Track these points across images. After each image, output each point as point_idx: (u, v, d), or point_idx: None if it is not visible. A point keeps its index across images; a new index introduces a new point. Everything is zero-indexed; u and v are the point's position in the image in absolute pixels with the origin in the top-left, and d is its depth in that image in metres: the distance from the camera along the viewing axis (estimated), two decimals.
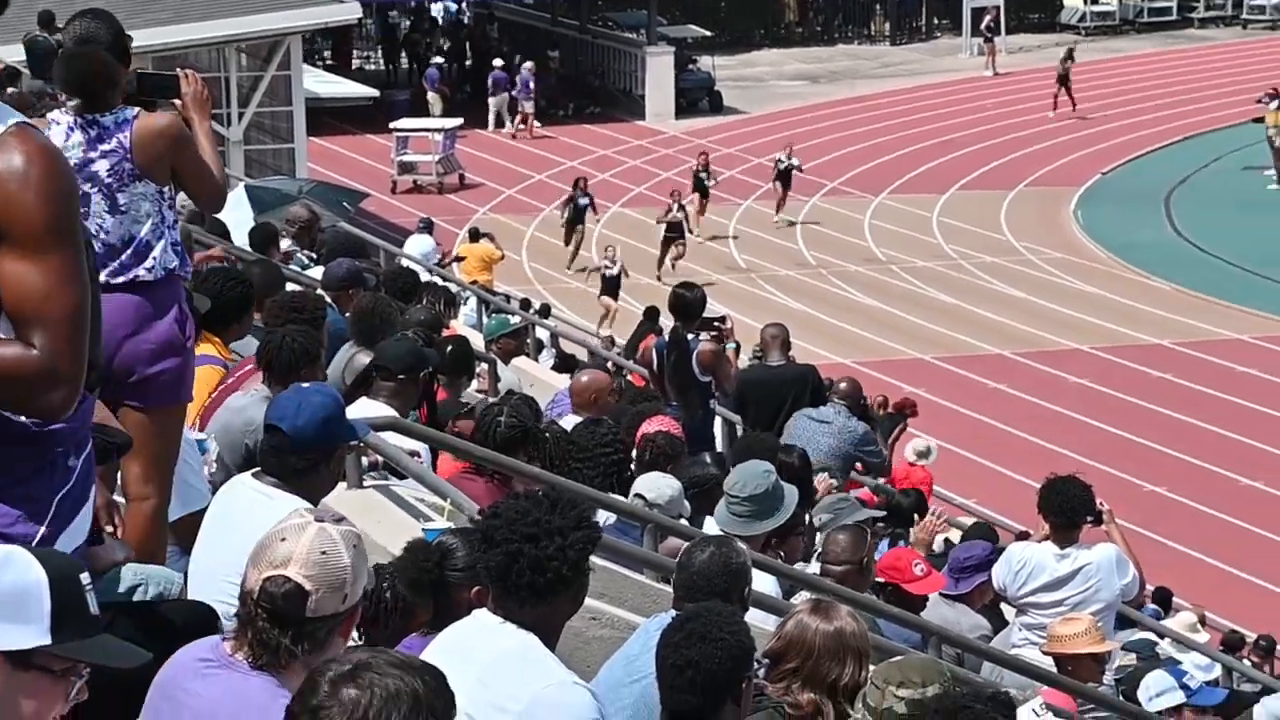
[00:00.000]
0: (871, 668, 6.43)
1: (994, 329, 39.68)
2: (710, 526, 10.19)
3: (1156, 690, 10.65)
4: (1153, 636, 15.70)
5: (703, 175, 46.25)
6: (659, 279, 39.43)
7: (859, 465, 15.25)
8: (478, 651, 5.46)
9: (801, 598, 8.52)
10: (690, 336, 14.89)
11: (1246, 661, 17.93)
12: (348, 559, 4.88)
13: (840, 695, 6.42)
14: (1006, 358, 38.24)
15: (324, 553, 4.85)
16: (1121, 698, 10.59)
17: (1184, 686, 10.87)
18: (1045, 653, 10.31)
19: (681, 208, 42.39)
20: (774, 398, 14.62)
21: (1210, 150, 56.57)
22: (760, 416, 14.90)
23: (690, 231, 43.91)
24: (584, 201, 43.56)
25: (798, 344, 17.36)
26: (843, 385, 15.87)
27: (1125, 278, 44.84)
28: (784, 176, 47.08)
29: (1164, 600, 21.33)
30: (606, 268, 38.05)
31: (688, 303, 15.07)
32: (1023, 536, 15.44)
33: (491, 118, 60.39)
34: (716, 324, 15.12)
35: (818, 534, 11.21)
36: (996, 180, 53.96)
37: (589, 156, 56.85)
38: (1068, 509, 11.03)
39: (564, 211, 44.21)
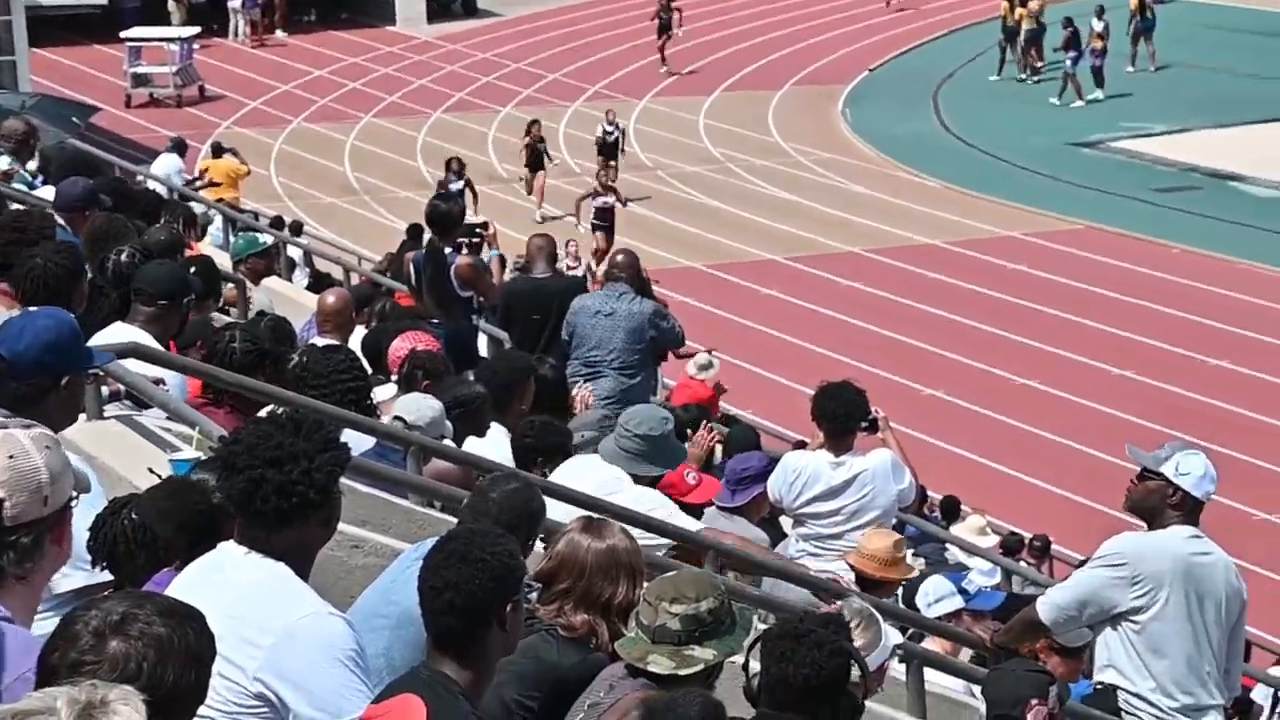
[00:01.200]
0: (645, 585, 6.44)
1: (763, 233, 39.92)
2: (471, 446, 10.14)
3: (935, 596, 10.78)
4: (955, 551, 15.97)
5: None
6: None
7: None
8: (226, 585, 5.38)
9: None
10: (448, 250, 14.80)
11: (1024, 563, 18.26)
12: (39, 460, 4.77)
13: (614, 614, 6.43)
14: (777, 262, 38.49)
15: (11, 457, 4.74)
16: (901, 604, 10.71)
17: (962, 591, 11.01)
18: (852, 565, 10.39)
19: (611, 188, 38.49)
20: (540, 309, 14.55)
21: (976, 44, 57.20)
22: (526, 329, 14.82)
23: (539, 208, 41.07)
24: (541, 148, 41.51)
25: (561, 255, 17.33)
26: (620, 258, 15.04)
27: (896, 176, 45.33)
28: (610, 150, 43.03)
29: (952, 509, 21.66)
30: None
31: (443, 214, 14.95)
32: (799, 446, 15.53)
33: (232, 26, 59.59)
34: (478, 229, 15.04)
35: (577, 452, 11.19)
36: (762, 80, 54.21)
37: (337, 65, 56.34)
38: (841, 415, 11.10)
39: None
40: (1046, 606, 8.67)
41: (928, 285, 36.97)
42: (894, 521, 12.03)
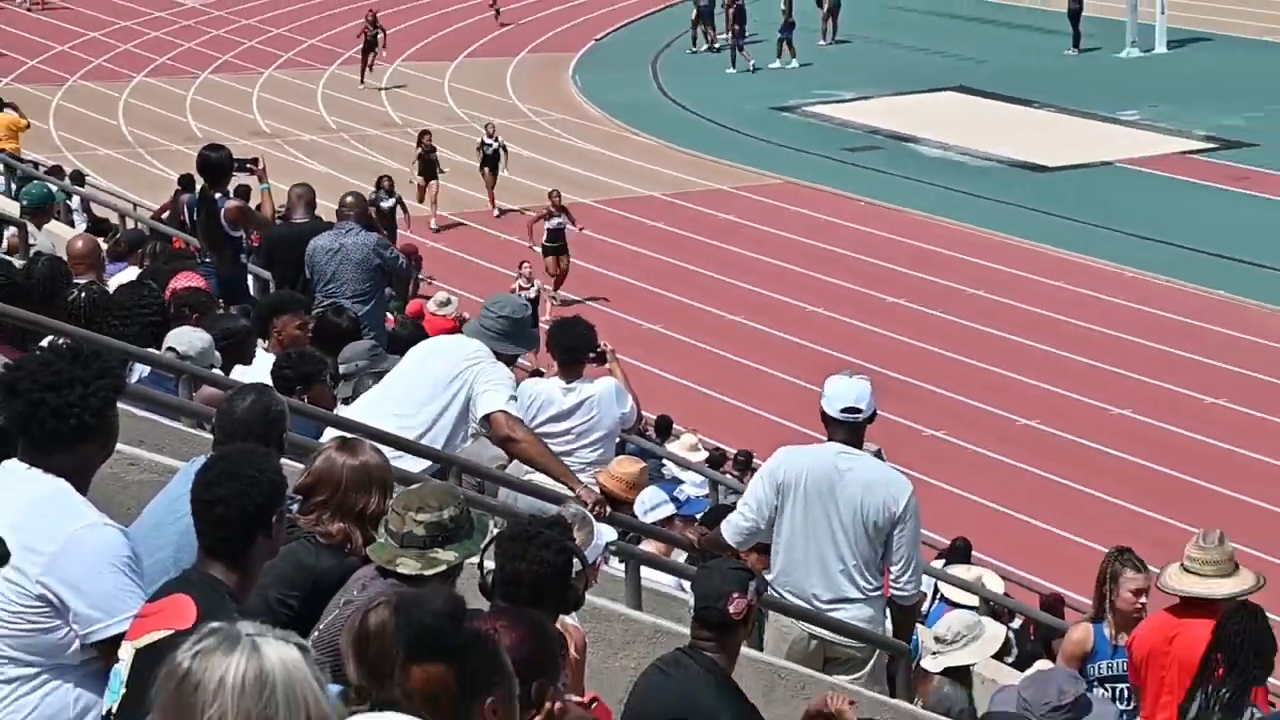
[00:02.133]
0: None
1: (502, 186, 39.82)
2: (240, 374, 10.07)
3: (651, 504, 10.91)
4: (670, 465, 16.13)
5: (432, 156, 38.07)
6: (555, 298, 32.50)
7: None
8: (10, 499, 5.35)
9: None
10: (218, 195, 14.68)
11: (728, 475, 18.47)
12: None
13: (366, 523, 6.44)
14: (514, 212, 38.45)
15: None
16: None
17: (674, 499, 11.17)
18: (602, 483, 10.47)
19: (563, 209, 33.44)
20: (299, 254, 14.42)
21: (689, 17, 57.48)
22: (286, 273, 14.71)
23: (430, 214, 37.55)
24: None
25: (323, 203, 17.12)
26: (348, 199, 14.66)
27: (621, 136, 45.43)
28: (491, 161, 38.69)
29: (666, 428, 21.83)
30: (521, 288, 29.74)
31: (212, 163, 14.85)
32: (537, 374, 15.60)
33: None
34: (248, 165, 14.93)
35: (342, 382, 11.14)
36: (501, 48, 54.06)
37: (112, 28, 55.23)
38: (571, 348, 11.16)
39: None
40: (729, 529, 8.91)
41: (648, 232, 37.17)
42: (617, 441, 12.12)
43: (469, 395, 9.47)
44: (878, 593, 8.98)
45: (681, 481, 14.07)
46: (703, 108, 47.62)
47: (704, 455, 18.12)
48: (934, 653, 9.96)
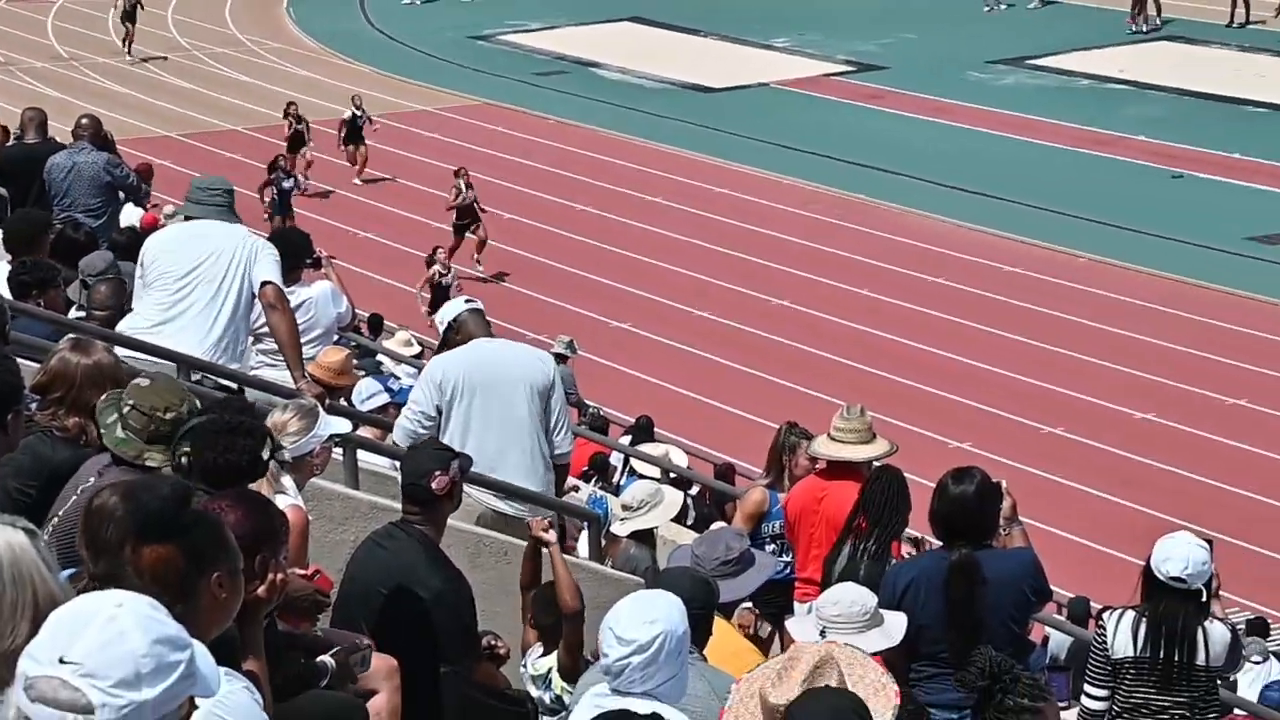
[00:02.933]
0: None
1: (226, 109, 38.91)
2: None
3: (367, 394, 10.79)
4: (385, 360, 15.93)
5: (300, 127, 34.17)
6: (481, 273, 29.03)
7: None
8: None
9: None
10: None
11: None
12: None
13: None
14: (239, 132, 37.68)
15: None
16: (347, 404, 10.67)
17: (389, 390, 11.07)
18: (312, 374, 10.25)
19: (469, 186, 29.60)
20: (30, 175, 13.90)
21: None
22: (18, 193, 14.18)
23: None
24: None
25: (56, 125, 16.49)
26: (84, 120, 13.88)
27: (334, 64, 44.71)
28: (354, 132, 34.65)
29: (377, 325, 21.57)
30: (439, 275, 26.45)
31: None
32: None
33: None
34: None
35: (81, 289, 10.76)
36: None
37: None
38: (289, 254, 10.92)
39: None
40: (398, 432, 8.82)
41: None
42: (335, 338, 11.93)
43: (247, 265, 9.09)
44: (546, 463, 8.91)
45: (397, 376, 13.94)
46: (407, 37, 47.07)
47: (417, 349, 17.94)
48: (621, 519, 10.00)
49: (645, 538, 10.11)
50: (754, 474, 13.21)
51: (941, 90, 39.79)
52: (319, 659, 5.35)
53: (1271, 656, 14.63)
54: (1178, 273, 28.38)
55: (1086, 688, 7.13)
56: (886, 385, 24.14)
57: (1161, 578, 6.99)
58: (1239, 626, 15.73)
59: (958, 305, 27.45)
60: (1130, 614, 7.06)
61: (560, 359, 20.36)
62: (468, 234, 29.06)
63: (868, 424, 8.80)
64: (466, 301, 9.39)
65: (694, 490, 15.57)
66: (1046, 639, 14.60)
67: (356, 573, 6.67)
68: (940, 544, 7.00)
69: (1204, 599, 6.99)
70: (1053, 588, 7.28)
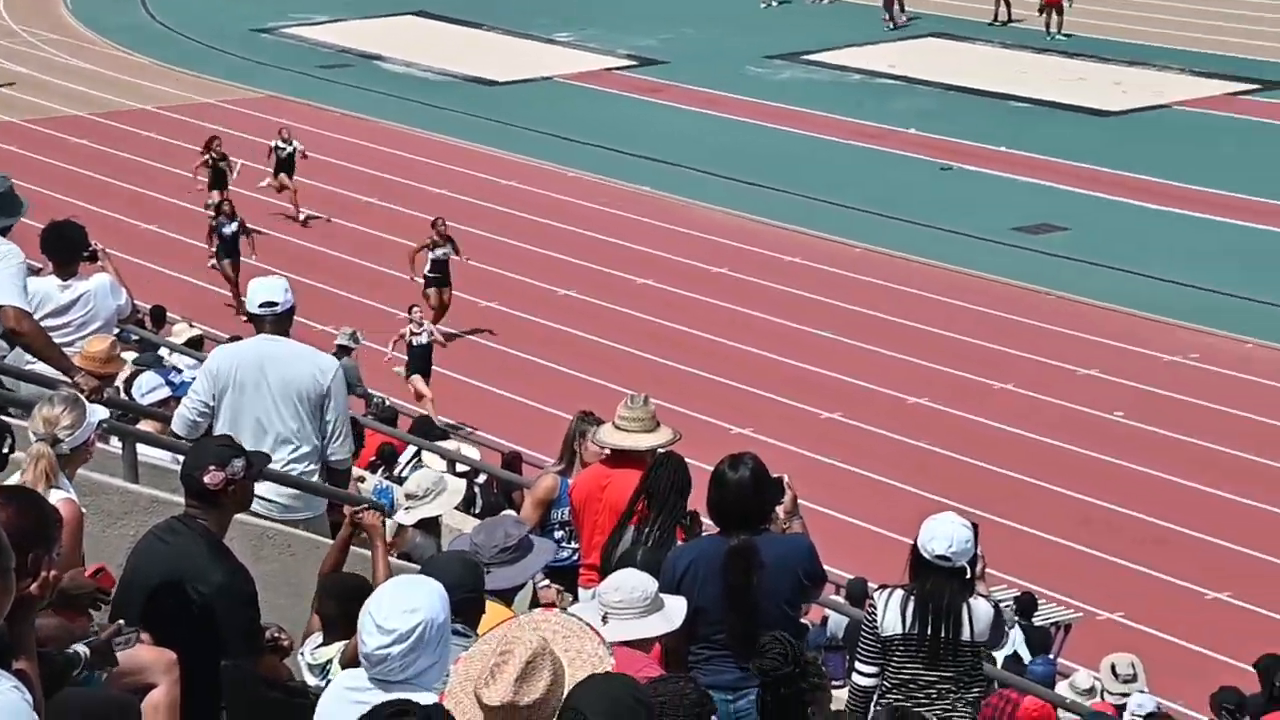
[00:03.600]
0: None
1: (4, 101, 37.91)
2: None
3: (148, 388, 10.56)
4: (165, 353, 15.58)
5: (223, 165, 30.86)
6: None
7: None
8: None
9: None
10: None
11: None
12: None
13: None
14: (15, 124, 36.72)
15: None
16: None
17: (170, 383, 10.82)
18: (80, 366, 10.00)
19: (447, 239, 26.36)
20: None
21: None
22: None
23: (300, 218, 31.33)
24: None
25: None
26: None
27: (115, 55, 43.80)
28: (286, 165, 31.71)
29: (160, 317, 21.12)
30: (412, 333, 23.79)
31: None
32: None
33: None
34: None
35: None
36: None
37: None
38: (64, 250, 10.66)
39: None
40: (178, 422, 8.65)
41: (137, 141, 35.97)
42: (116, 331, 11.65)
43: None
44: (309, 471, 8.70)
45: (179, 369, 13.63)
46: (189, 29, 46.26)
47: (197, 333, 17.55)
48: (406, 508, 9.90)
49: (430, 526, 10.04)
50: (544, 462, 13.17)
51: (720, 84, 40.10)
52: (71, 648, 5.18)
53: (1018, 627, 14.93)
54: (947, 261, 28.90)
55: (857, 664, 7.23)
56: (671, 373, 24.27)
57: (927, 556, 7.13)
58: (1007, 604, 16.08)
59: (739, 295, 27.68)
60: (899, 592, 7.19)
61: (343, 351, 20.14)
62: (429, 289, 25.93)
63: (651, 413, 8.81)
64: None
65: (481, 479, 15.51)
66: (825, 619, 14.78)
67: (137, 566, 6.52)
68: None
69: (967, 576, 7.13)
70: (832, 569, 7.38)
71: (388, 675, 4.90)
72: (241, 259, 27.07)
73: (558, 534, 9.40)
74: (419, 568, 6.43)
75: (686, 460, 8.07)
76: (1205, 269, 27.71)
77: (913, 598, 7.11)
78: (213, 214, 27.83)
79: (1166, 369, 24.55)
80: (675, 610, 6.29)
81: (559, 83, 41.52)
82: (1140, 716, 11.77)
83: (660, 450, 8.56)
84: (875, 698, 7.21)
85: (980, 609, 7.16)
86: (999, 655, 13.90)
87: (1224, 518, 20.15)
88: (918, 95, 39.19)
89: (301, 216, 31.16)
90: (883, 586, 7.58)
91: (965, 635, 7.08)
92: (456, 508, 11.01)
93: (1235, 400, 23.27)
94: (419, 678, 4.91)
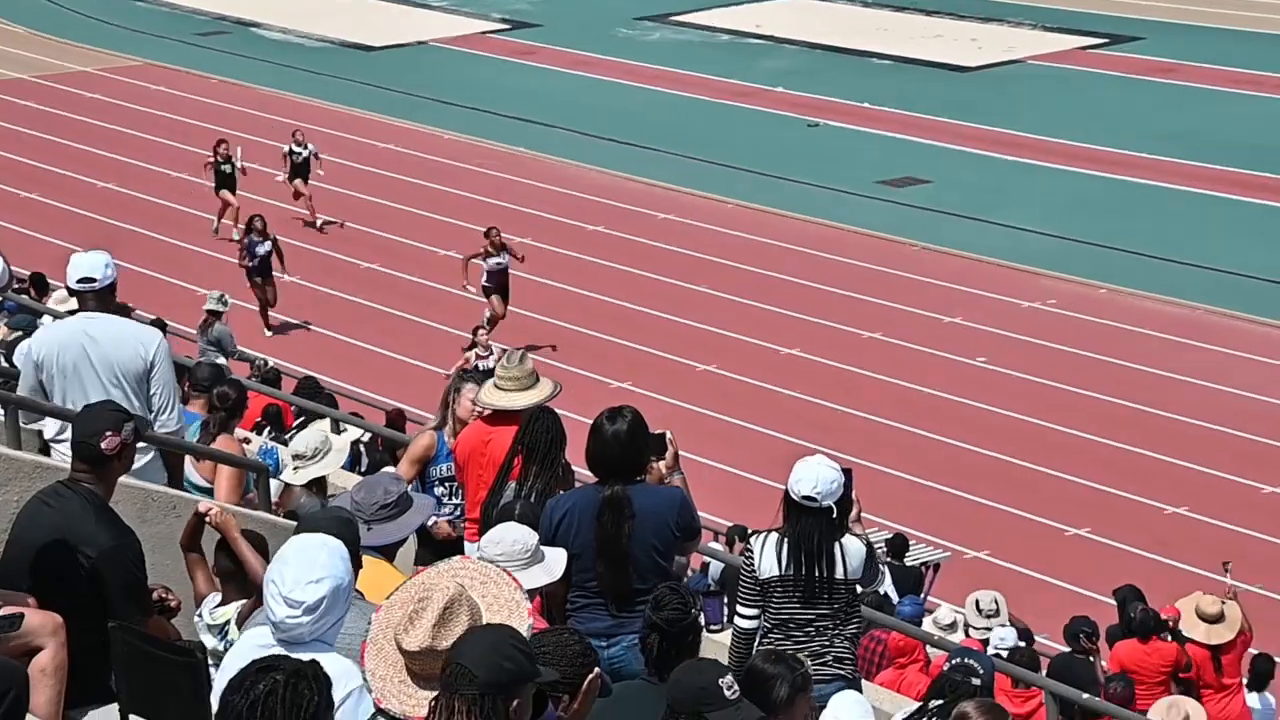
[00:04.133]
0: None
1: None
2: None
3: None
4: None
5: (226, 168, 28.60)
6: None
7: None
8: None
9: None
10: None
11: None
12: None
13: None
14: None
15: None
16: None
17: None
18: None
19: (501, 247, 24.05)
20: None
21: None
22: None
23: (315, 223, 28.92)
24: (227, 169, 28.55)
25: None
26: None
27: None
28: (301, 170, 29.16)
29: (40, 284, 20.79)
30: (479, 357, 21.40)
31: None
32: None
33: None
34: None
35: None
36: None
37: None
38: None
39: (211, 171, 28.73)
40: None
41: (18, 110, 35.32)
42: None
43: None
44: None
45: None
46: None
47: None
48: (295, 468, 9.82)
49: (317, 485, 9.96)
50: (428, 420, 13.13)
51: (592, 46, 39.99)
52: None
53: (886, 571, 15.07)
54: (816, 215, 29.06)
55: (738, 608, 7.28)
56: (551, 330, 24.25)
57: (796, 498, 7.19)
58: (879, 546, 16.25)
59: (615, 251, 27.68)
60: (773, 535, 7.25)
61: (214, 316, 19.90)
62: (492, 296, 23.75)
63: (529, 370, 8.77)
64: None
65: (365, 437, 15.41)
66: (706, 565, 14.86)
67: (22, 531, 6.42)
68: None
69: (835, 516, 7.19)
70: (711, 516, 7.41)
71: (296, 638, 4.91)
72: (274, 275, 24.70)
73: (438, 490, 9.35)
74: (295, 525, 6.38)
75: (569, 415, 8.07)
76: (1060, 217, 28.06)
77: (786, 540, 7.17)
78: (243, 230, 25.42)
79: (1026, 315, 24.86)
80: (556, 562, 6.29)
81: (435, 47, 41.22)
82: (1002, 649, 11.94)
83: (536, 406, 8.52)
84: (758, 639, 7.26)
85: (852, 547, 7.23)
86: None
87: (1082, 457, 20.47)
88: (784, 54, 39.29)
89: (318, 223, 28.87)
90: (756, 532, 7.63)
91: (839, 573, 7.16)
92: (342, 466, 10.93)
93: (1092, 344, 23.61)
94: (326, 634, 4.94)
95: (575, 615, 6.84)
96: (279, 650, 4.79)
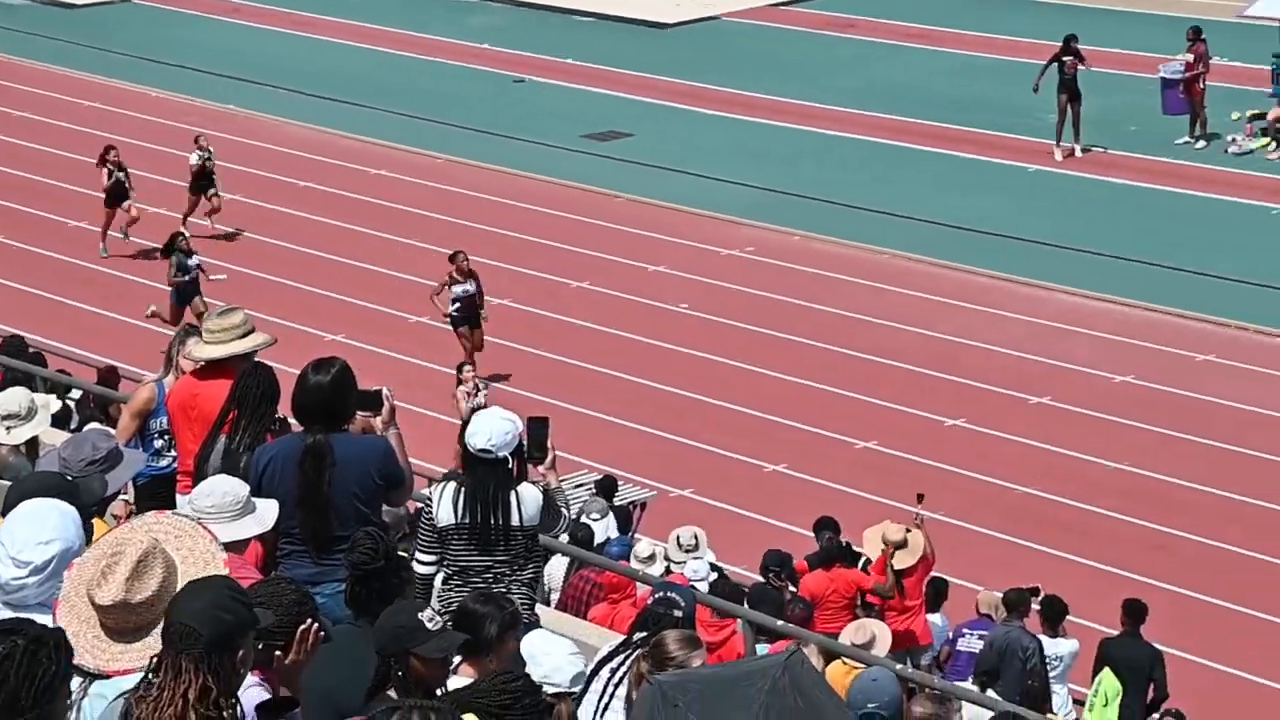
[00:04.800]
0: None
1: None
2: None
3: None
4: None
5: (118, 176, 25.66)
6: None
7: None
8: None
9: None
10: None
11: None
12: None
13: None
14: None
15: None
16: None
17: None
18: None
19: (470, 274, 21.58)
20: None
21: None
22: None
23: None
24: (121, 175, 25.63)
25: None
26: None
27: None
28: (205, 177, 26.24)
29: None
30: (468, 395, 19.52)
31: None
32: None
33: None
34: None
35: None
36: None
37: None
38: None
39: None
40: None
41: None
42: None
43: None
44: None
45: None
46: None
47: None
48: (8, 428, 9.55)
49: (28, 446, 9.72)
50: (142, 377, 12.86)
51: (300, 4, 39.34)
52: None
53: (610, 513, 15.33)
54: (524, 169, 29.13)
55: (417, 554, 7.36)
56: (262, 285, 23.93)
57: (473, 450, 7.30)
58: (589, 488, 16.47)
59: (327, 207, 27.39)
60: (451, 484, 7.34)
61: None
62: (460, 327, 21.49)
63: (238, 323, 8.66)
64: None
65: (76, 395, 15.06)
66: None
67: None
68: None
69: (510, 466, 7.31)
70: (423, 463, 7.44)
71: (22, 601, 4.80)
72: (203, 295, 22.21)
73: (158, 442, 9.22)
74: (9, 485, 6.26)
75: (287, 369, 8.03)
76: (755, 168, 28.57)
77: (463, 489, 7.26)
78: (167, 252, 22.69)
79: (725, 262, 25.32)
80: (268, 512, 6.29)
81: (137, 4, 40.10)
82: (699, 580, 12.26)
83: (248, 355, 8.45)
84: (439, 584, 7.35)
85: (528, 495, 7.35)
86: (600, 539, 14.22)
87: (778, 395, 20.97)
88: (491, 12, 39.17)
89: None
90: (439, 481, 7.71)
91: (515, 521, 7.27)
92: (53, 425, 10.67)
93: (788, 289, 24.17)
94: (51, 599, 4.82)
95: (283, 563, 6.85)
96: (3, 611, 4.70)
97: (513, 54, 35.58)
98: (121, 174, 25.64)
